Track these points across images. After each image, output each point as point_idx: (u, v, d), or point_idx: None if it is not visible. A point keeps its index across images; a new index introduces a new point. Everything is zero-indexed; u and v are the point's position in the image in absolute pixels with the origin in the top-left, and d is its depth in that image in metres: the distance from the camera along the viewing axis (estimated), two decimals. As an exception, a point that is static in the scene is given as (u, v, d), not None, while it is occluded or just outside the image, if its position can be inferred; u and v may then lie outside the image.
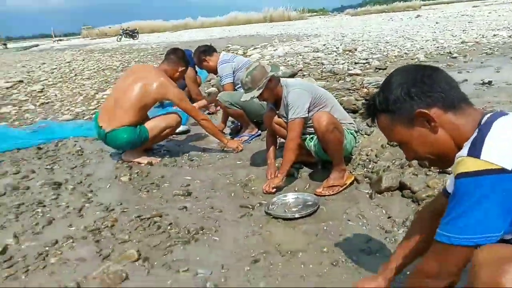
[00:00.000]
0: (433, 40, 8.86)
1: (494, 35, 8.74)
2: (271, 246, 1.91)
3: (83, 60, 13.34)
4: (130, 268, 1.73)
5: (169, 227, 2.11)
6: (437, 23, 14.80)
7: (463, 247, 0.91)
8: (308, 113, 2.52)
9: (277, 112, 2.76)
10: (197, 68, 5.03)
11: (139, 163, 3.12)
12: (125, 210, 2.33)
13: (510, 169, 0.87)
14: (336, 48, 8.69)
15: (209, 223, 2.17)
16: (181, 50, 3.42)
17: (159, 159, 3.21)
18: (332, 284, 1.59)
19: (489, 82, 4.13)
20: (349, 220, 2.10)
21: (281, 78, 2.71)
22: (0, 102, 6.47)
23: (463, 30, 10.78)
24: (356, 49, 7.87)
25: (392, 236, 1.89)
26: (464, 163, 0.91)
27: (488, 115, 0.99)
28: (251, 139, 3.68)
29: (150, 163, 3.11)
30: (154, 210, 2.32)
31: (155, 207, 2.38)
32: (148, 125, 3.13)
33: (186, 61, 3.35)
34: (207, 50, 4.04)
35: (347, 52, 7.69)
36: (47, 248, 1.92)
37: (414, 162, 2.43)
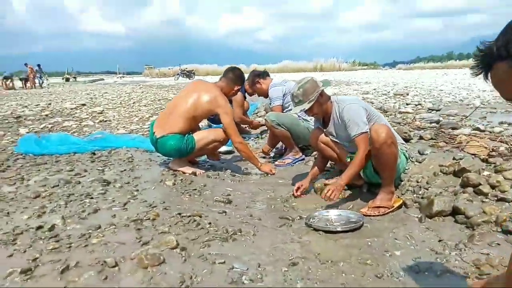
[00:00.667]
0: (490, 91, 8.53)
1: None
2: (310, 254, 1.83)
3: (142, 92, 14.30)
4: (168, 254, 1.72)
5: (208, 225, 2.10)
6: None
7: None
8: None
9: (325, 130, 2.74)
10: (247, 97, 5.21)
11: (183, 172, 3.19)
12: (167, 208, 2.36)
13: None
14: (387, 92, 8.63)
15: (248, 227, 2.14)
16: (239, 69, 3.49)
17: (203, 171, 3.27)
18: (375, 294, 1.47)
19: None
20: (396, 239, 1.96)
21: (331, 95, 2.70)
22: (64, 118, 7.03)
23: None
24: (408, 94, 7.76)
25: (443, 257, 1.74)
26: None
27: None
28: (294, 163, 3.65)
29: (194, 173, 3.17)
30: (194, 211, 2.33)
31: (196, 208, 2.39)
32: (196, 136, 3.22)
33: (242, 80, 3.45)
34: (262, 73, 4.20)
35: (398, 96, 7.59)
36: (90, 231, 1.97)
37: (469, 189, 2.27)
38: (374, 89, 9.71)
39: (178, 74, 29.03)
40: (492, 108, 5.78)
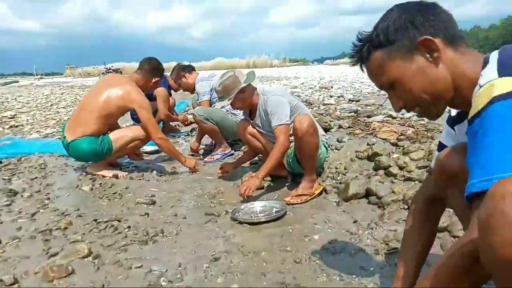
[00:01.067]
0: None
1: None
2: (233, 247, 1.82)
3: (62, 94, 13.25)
4: (78, 264, 1.59)
5: (126, 230, 1.99)
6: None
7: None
8: None
9: (252, 122, 2.75)
10: (173, 94, 5.07)
11: (103, 176, 2.99)
12: (81, 215, 2.20)
13: None
14: (314, 86, 8.98)
15: (171, 227, 2.07)
16: (155, 60, 3.25)
17: (126, 173, 3.10)
18: (294, 280, 1.50)
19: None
20: (315, 224, 2.04)
21: (258, 86, 2.72)
22: (-32, 126, 6.25)
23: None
24: (332, 87, 8.15)
25: (357, 237, 1.83)
26: (502, 84, 0.72)
27: (496, 51, 0.84)
28: (224, 158, 3.62)
29: (116, 176, 2.99)
30: (113, 215, 2.20)
31: (115, 213, 2.26)
32: (112, 135, 2.99)
33: (160, 72, 3.23)
34: (187, 67, 4.10)
35: (323, 89, 7.94)
36: (-13, 248, 1.76)
37: (381, 172, 2.44)
38: (302, 84, 10.05)
39: (103, 73, 27.40)
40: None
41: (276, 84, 10.92)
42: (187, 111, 6.79)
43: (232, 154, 3.71)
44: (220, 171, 2.91)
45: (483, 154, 0.70)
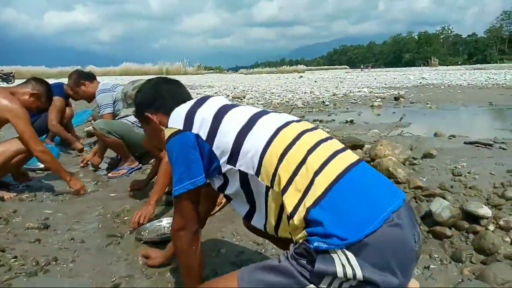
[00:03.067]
0: (310, 93, 9.97)
1: (359, 91, 10.27)
2: (136, 270, 1.74)
3: None
4: None
5: (12, 260, 1.77)
6: (315, 81, 16.82)
7: (185, 194, 1.17)
8: None
9: None
10: (73, 104, 4.68)
11: (-14, 199, 2.62)
12: (-46, 247, 1.89)
13: (182, 128, 1.18)
14: (227, 96, 9.11)
15: (66, 253, 1.89)
16: (46, 81, 3.00)
17: (14, 194, 2.76)
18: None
19: (351, 121, 4.77)
20: (224, 237, 2.06)
21: None
22: None
23: (336, 87, 12.44)
24: (244, 97, 8.36)
25: (262, 247, 1.91)
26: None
27: None
28: (130, 173, 3.45)
29: (2, 198, 2.64)
30: (-4, 245, 1.93)
31: (-2, 242, 1.99)
32: None
33: (45, 89, 2.89)
34: (88, 75, 3.81)
35: (236, 99, 8.11)
36: None
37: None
38: (216, 93, 10.14)
39: (-7, 77, 24.13)
40: (310, 107, 6.76)
41: (190, 92, 10.82)
42: (90, 120, 6.33)
43: (140, 168, 3.56)
44: (130, 188, 2.79)
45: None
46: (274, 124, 1.15)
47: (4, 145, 2.70)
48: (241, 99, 8.12)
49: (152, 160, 3.63)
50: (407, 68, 52.73)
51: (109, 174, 3.42)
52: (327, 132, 1.32)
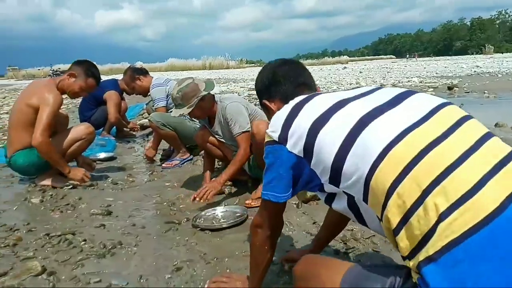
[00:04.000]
0: (356, 84, 9.70)
1: (408, 81, 9.84)
2: (196, 255, 1.80)
3: (4, 97, 12.37)
4: (31, 282, 1.50)
5: (82, 243, 1.90)
6: (360, 72, 16.33)
7: (269, 201, 1.10)
8: None
9: (210, 129, 2.73)
10: (126, 97, 4.91)
11: (54, 186, 2.84)
12: (32, 229, 2.07)
13: (277, 140, 1.06)
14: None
15: (129, 238, 2.00)
16: (86, 60, 2.99)
17: (78, 182, 2.96)
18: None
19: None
20: (277, 227, 2.07)
21: (216, 94, 2.69)
22: None
23: (383, 77, 12.00)
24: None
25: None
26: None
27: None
28: (182, 163, 3.57)
29: (75, 186, 2.83)
30: (66, 228, 2.09)
31: (68, 226, 2.15)
32: (52, 142, 2.77)
33: (89, 71, 2.91)
34: (141, 70, 3.99)
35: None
36: None
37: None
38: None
39: (49, 75, 25.94)
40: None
41: (233, 86, 10.93)
42: (142, 114, 6.62)
43: (191, 159, 3.67)
44: (207, 197, 2.48)
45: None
46: (386, 136, 0.86)
47: (61, 135, 2.90)
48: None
49: (202, 152, 3.74)
50: (459, 56, 49.64)
51: (163, 165, 3.56)
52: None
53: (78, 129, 2.96)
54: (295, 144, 1.02)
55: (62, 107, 2.91)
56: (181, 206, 2.53)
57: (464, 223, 0.72)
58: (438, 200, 0.75)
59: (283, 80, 1.27)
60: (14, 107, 2.89)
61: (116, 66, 38.53)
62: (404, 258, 0.81)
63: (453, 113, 0.90)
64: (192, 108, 2.48)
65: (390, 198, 0.81)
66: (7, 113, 7.76)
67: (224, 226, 2.10)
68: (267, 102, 1.30)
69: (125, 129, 4.98)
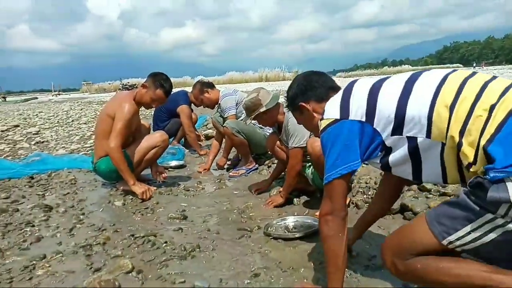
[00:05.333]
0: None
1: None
2: (271, 263, 1.82)
3: (81, 109, 13.57)
4: (123, 279, 1.62)
5: (164, 245, 2.01)
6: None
7: (337, 180, 1.24)
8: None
9: (279, 136, 2.81)
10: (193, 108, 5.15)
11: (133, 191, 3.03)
12: (118, 230, 2.24)
13: (339, 117, 1.26)
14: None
15: (206, 242, 2.08)
16: (159, 72, 3.12)
17: (154, 188, 3.14)
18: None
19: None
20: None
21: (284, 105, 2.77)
22: (-5, 141, 6.45)
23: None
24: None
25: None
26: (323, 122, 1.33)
27: None
28: (248, 173, 3.65)
29: (144, 194, 3.02)
30: (148, 230, 2.23)
31: (149, 228, 2.29)
32: (129, 150, 3.03)
33: (158, 83, 3.03)
34: (209, 84, 4.19)
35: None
36: (34, 262, 1.81)
37: (414, 187, 2.43)
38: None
39: (119, 88, 28.04)
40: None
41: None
42: (206, 125, 6.88)
43: (257, 169, 3.74)
44: (256, 191, 3.00)
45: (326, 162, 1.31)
46: (432, 83, 1.16)
47: (138, 143, 3.10)
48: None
49: (267, 162, 3.79)
50: (538, 63, 45.08)
51: (230, 173, 3.66)
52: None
53: (154, 137, 3.17)
54: (356, 112, 1.24)
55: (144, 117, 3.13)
56: (250, 214, 2.58)
57: (504, 108, 1.02)
58: (484, 105, 1.05)
59: (317, 85, 1.50)
60: (98, 117, 3.17)
61: (178, 80, 40.54)
62: (468, 167, 1.05)
63: (464, 70, 1.22)
64: (251, 120, 2.77)
65: (450, 120, 1.08)
66: (85, 123, 8.51)
67: (297, 235, 2.10)
68: (304, 104, 1.49)
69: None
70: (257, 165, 3.76)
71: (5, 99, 35.03)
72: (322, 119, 1.32)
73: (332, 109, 1.31)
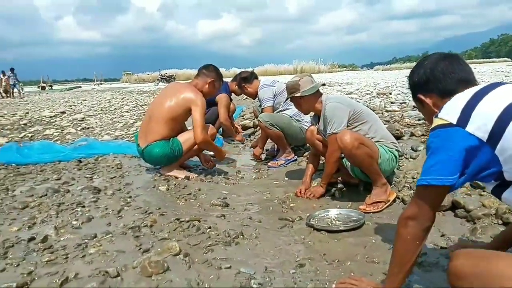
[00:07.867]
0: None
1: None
2: (316, 254, 1.80)
3: (122, 98, 14.04)
4: (172, 261, 1.65)
5: (208, 230, 2.04)
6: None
7: (429, 187, 1.11)
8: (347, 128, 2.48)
9: (317, 127, 2.76)
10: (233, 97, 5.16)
11: (176, 177, 3.11)
12: (163, 213, 2.29)
13: (455, 123, 1.07)
14: (370, 92, 8.75)
15: (249, 230, 2.09)
16: (212, 65, 3.32)
17: (196, 175, 3.20)
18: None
19: None
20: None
21: (323, 93, 2.73)
22: (45, 127, 6.81)
23: (499, 82, 10.63)
24: (390, 93, 7.88)
25: (447, 252, 1.74)
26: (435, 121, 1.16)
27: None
28: (287, 164, 3.63)
29: (188, 178, 3.09)
30: (192, 215, 2.27)
31: (193, 213, 2.34)
32: (181, 138, 3.11)
33: (216, 74, 3.24)
34: (250, 74, 4.17)
35: (381, 95, 7.71)
36: (86, 241, 1.89)
37: (467, 184, 2.30)
38: (357, 89, 9.83)
39: (158, 79, 28.74)
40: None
41: (327, 89, 10.77)
42: (243, 115, 6.90)
43: (296, 160, 3.71)
44: (308, 196, 2.68)
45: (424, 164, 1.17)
46: None
47: (190, 132, 3.14)
48: (387, 95, 7.67)
49: (306, 153, 3.75)
50: None
51: (269, 164, 3.66)
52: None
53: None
54: (478, 127, 1.05)
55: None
56: (291, 204, 2.57)
57: None
58: None
59: (442, 76, 1.25)
60: (156, 101, 3.23)
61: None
62: None
63: None
64: (288, 99, 2.79)
65: None
66: (127, 111, 8.80)
67: (341, 228, 2.06)
68: (422, 97, 1.30)
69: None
70: (296, 157, 3.73)
71: (51, 87, 36.91)
72: (436, 116, 1.15)
73: (451, 110, 1.11)
